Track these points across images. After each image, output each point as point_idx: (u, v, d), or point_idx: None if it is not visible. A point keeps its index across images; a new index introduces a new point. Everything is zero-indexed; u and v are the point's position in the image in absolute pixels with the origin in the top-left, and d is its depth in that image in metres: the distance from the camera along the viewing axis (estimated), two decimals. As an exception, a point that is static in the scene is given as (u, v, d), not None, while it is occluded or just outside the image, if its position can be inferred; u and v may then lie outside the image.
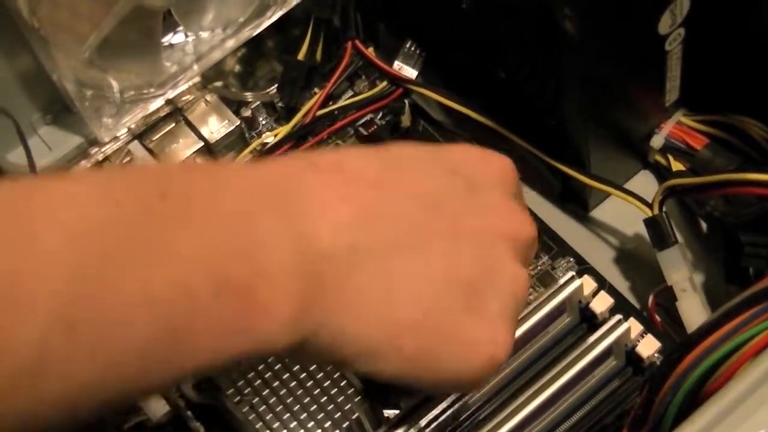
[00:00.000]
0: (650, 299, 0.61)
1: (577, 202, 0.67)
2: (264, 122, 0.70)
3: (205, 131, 0.67)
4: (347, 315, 0.40)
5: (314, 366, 0.58)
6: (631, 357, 0.55)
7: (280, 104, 0.69)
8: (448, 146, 0.51)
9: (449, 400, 0.54)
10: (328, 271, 0.40)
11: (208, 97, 0.67)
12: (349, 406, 0.57)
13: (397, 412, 0.53)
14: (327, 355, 0.41)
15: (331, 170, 0.43)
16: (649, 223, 0.61)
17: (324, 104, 0.69)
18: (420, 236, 0.43)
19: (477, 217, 0.44)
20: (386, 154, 0.46)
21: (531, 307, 0.54)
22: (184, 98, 0.66)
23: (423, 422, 0.53)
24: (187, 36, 0.64)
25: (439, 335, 0.42)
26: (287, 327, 0.38)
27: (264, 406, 0.57)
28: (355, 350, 0.41)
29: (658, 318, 0.60)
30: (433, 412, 0.53)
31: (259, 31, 0.66)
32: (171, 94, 0.65)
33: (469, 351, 0.43)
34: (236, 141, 0.68)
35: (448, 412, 0.55)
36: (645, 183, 0.67)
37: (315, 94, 0.69)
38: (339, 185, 0.42)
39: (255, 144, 0.68)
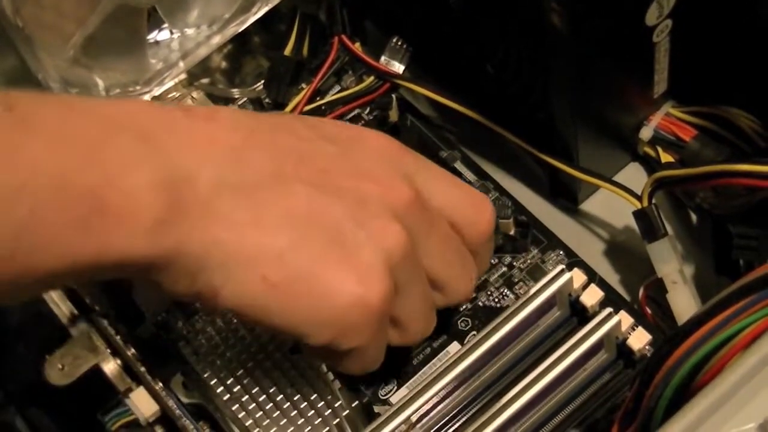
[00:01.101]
0: (641, 292, 0.61)
1: (566, 196, 0.67)
2: (251, 119, 0.70)
3: (192, 128, 0.66)
4: (212, 236, 0.42)
5: (304, 363, 0.58)
6: (622, 350, 0.55)
7: (267, 100, 0.69)
8: (324, 120, 0.53)
9: (441, 394, 0.54)
10: (193, 194, 0.42)
11: (195, 94, 0.67)
12: (339, 403, 0.57)
13: (387, 407, 0.53)
14: (192, 279, 0.42)
15: (204, 118, 0.45)
16: (639, 215, 0.60)
17: (311, 100, 0.68)
18: (285, 180, 0.44)
19: (348, 178, 0.46)
20: (262, 115, 0.49)
21: (521, 301, 0.54)
22: (170, 95, 0.66)
23: (414, 417, 0.53)
24: (172, 33, 0.64)
25: (306, 269, 0.43)
26: (145, 238, 0.40)
27: (254, 404, 0.57)
28: (221, 278, 0.42)
29: (648, 310, 0.60)
30: (424, 407, 0.53)
31: (244, 27, 0.65)
32: (157, 92, 0.65)
33: (336, 288, 0.44)
34: (223, 138, 0.67)
35: (440, 407, 0.55)
36: (634, 175, 0.67)
37: (302, 89, 0.69)
38: (209, 129, 0.44)
39: (242, 141, 0.68)
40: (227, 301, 0.43)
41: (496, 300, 0.61)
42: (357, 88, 0.69)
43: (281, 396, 0.57)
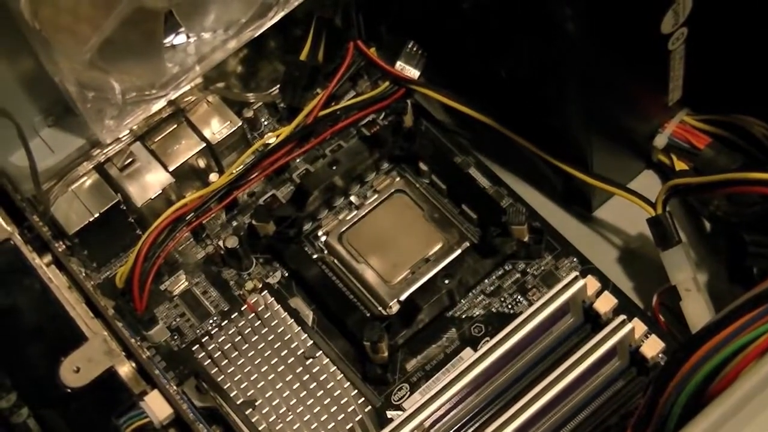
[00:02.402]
0: (654, 299, 0.61)
1: (580, 203, 0.67)
2: (266, 123, 0.70)
3: (207, 132, 0.66)
4: None
5: (318, 367, 0.58)
6: (636, 357, 0.55)
7: (282, 105, 0.69)
8: None
9: (454, 400, 0.54)
10: None
11: (210, 98, 0.67)
12: (352, 408, 0.57)
13: (400, 413, 0.53)
14: None
15: None
16: (653, 222, 0.60)
17: (326, 104, 0.68)
18: None
19: None
20: None
21: (535, 308, 0.54)
22: (186, 99, 0.66)
23: (427, 423, 0.53)
24: (188, 37, 0.64)
25: None
26: None
27: (267, 408, 0.57)
28: None
29: (662, 318, 0.60)
30: (437, 412, 0.53)
31: (261, 31, 0.65)
32: (173, 95, 0.65)
33: None
34: (238, 142, 0.68)
35: (453, 413, 0.55)
36: (648, 183, 0.67)
37: (317, 94, 0.69)
38: None
39: (257, 145, 0.68)
40: None
41: (510, 306, 0.61)
42: (372, 93, 0.69)
43: (295, 400, 0.57)
